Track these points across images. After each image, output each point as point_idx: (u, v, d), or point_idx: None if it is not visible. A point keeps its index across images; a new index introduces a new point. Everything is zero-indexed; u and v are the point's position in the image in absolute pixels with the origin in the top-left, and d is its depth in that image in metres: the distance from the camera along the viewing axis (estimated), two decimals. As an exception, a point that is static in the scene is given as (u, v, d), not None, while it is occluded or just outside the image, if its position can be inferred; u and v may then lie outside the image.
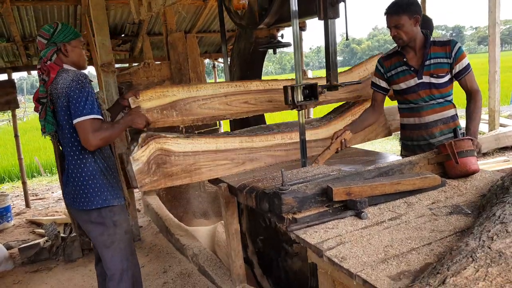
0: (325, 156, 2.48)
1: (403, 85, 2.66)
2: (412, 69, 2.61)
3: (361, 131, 2.90)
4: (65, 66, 2.32)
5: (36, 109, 2.35)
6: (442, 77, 2.55)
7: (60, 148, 2.42)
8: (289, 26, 2.90)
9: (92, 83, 2.37)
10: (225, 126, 8.40)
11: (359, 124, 2.75)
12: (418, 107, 2.65)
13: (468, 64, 2.54)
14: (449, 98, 2.65)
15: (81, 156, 2.30)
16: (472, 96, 2.55)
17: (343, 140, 2.52)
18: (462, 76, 2.54)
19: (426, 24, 3.37)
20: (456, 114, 2.70)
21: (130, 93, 2.51)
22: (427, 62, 2.56)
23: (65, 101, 2.20)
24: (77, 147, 2.29)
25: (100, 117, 2.23)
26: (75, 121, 2.17)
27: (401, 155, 2.88)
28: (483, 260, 1.09)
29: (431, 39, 2.58)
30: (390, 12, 2.52)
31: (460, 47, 2.54)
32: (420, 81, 2.59)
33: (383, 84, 2.78)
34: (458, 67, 2.53)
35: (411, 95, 2.65)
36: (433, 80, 2.56)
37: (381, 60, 2.79)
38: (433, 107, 2.62)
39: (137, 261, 2.58)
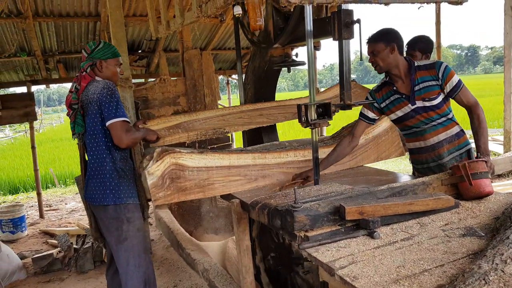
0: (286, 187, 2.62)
1: (399, 113, 2.67)
2: (403, 96, 2.63)
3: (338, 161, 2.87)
4: (97, 78, 2.58)
5: (68, 114, 2.65)
6: (435, 98, 2.56)
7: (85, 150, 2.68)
8: (303, 45, 2.95)
9: None
10: (237, 142, 8.45)
11: (333, 159, 2.77)
12: (421, 131, 2.66)
13: (459, 81, 2.53)
14: (449, 116, 2.64)
15: (101, 157, 2.53)
16: (472, 110, 2.54)
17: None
18: (456, 93, 2.54)
19: (425, 45, 3.43)
20: (462, 131, 2.68)
21: (139, 122, 2.89)
22: (416, 88, 2.58)
23: (96, 106, 2.45)
24: (100, 148, 2.53)
25: (129, 120, 2.51)
26: (108, 123, 2.42)
27: (414, 176, 2.87)
28: (496, 284, 1.09)
29: (415, 64, 2.61)
30: (369, 40, 2.61)
31: (446, 67, 2.54)
32: (415, 106, 2.60)
33: (371, 115, 2.77)
34: (449, 86, 2.53)
35: (410, 121, 2.66)
36: (427, 104, 2.57)
37: (372, 92, 2.81)
38: (435, 128, 2.62)
39: (150, 260, 2.69)
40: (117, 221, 2.52)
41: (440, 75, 2.54)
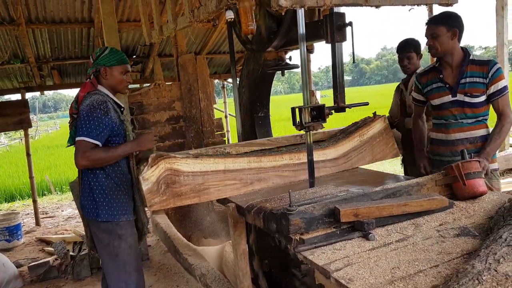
0: None
1: (437, 101, 2.69)
2: (447, 86, 2.63)
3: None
4: (100, 87, 2.47)
5: (69, 122, 2.55)
6: (477, 96, 2.54)
7: None
8: (297, 48, 2.96)
9: (123, 110, 2.57)
10: (232, 135, 8.49)
11: (421, 142, 2.99)
12: (447, 124, 2.68)
13: (504, 87, 2.52)
14: (481, 118, 2.62)
15: (94, 171, 2.43)
16: (501, 119, 2.55)
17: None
18: (495, 98, 2.53)
19: (417, 44, 3.46)
20: (489, 135, 2.67)
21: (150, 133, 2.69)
22: (463, 81, 2.57)
23: (79, 121, 2.36)
24: None
25: (95, 142, 2.32)
26: (75, 140, 2.33)
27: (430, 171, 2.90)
28: (489, 283, 1.10)
29: (471, 57, 2.58)
30: (430, 22, 2.57)
31: (498, 69, 2.52)
32: (454, 98, 2.60)
33: (421, 98, 2.87)
34: (492, 89, 2.53)
35: (443, 111, 2.68)
36: (467, 99, 2.56)
37: (418, 76, 2.87)
38: (461, 125, 2.63)
39: (142, 277, 2.60)
40: (109, 236, 2.44)
41: (489, 75, 2.52)
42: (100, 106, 2.34)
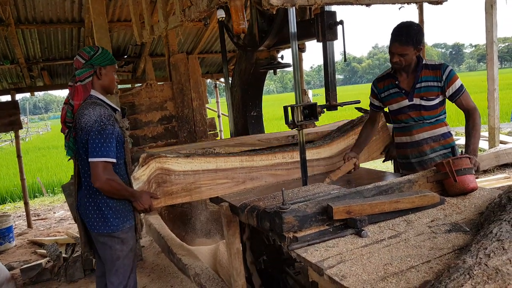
0: (336, 174, 2.63)
1: (395, 106, 2.74)
2: (403, 91, 2.68)
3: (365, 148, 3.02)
4: (93, 92, 2.42)
5: (62, 131, 2.48)
6: (432, 99, 2.61)
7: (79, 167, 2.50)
8: (289, 47, 2.97)
9: (117, 113, 2.50)
10: (225, 134, 8.46)
11: (363, 142, 2.91)
12: (409, 126, 2.72)
13: (461, 85, 2.59)
14: (439, 118, 2.69)
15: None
16: (470, 114, 2.60)
17: (356, 162, 2.70)
18: (457, 97, 2.59)
19: None
20: (449, 132, 2.74)
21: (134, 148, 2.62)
22: (418, 85, 2.62)
23: (86, 136, 2.30)
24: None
25: (113, 160, 2.31)
26: (90, 159, 2.28)
27: (400, 173, 2.92)
28: (480, 277, 1.11)
29: (423, 62, 2.64)
30: (399, 41, 2.53)
31: (451, 70, 2.58)
32: (411, 103, 2.65)
33: (377, 103, 2.88)
34: (451, 90, 2.58)
35: (401, 115, 2.72)
36: (423, 103, 2.63)
37: (375, 81, 2.87)
38: (423, 125, 2.68)
39: (136, 279, 2.61)
40: (111, 240, 2.43)
41: (443, 78, 2.58)
42: (109, 121, 2.31)
